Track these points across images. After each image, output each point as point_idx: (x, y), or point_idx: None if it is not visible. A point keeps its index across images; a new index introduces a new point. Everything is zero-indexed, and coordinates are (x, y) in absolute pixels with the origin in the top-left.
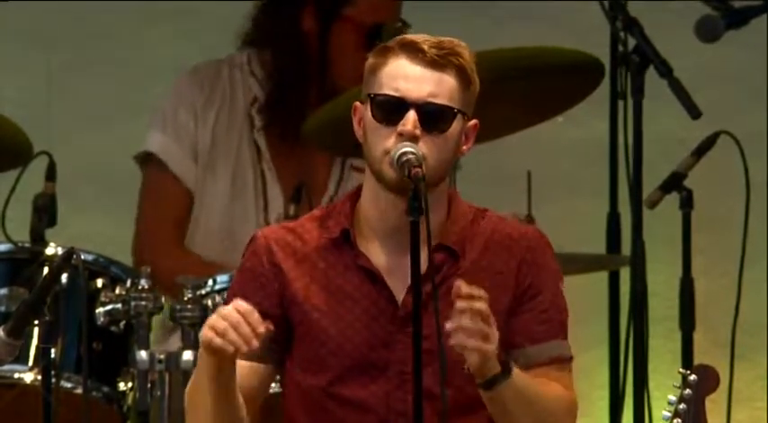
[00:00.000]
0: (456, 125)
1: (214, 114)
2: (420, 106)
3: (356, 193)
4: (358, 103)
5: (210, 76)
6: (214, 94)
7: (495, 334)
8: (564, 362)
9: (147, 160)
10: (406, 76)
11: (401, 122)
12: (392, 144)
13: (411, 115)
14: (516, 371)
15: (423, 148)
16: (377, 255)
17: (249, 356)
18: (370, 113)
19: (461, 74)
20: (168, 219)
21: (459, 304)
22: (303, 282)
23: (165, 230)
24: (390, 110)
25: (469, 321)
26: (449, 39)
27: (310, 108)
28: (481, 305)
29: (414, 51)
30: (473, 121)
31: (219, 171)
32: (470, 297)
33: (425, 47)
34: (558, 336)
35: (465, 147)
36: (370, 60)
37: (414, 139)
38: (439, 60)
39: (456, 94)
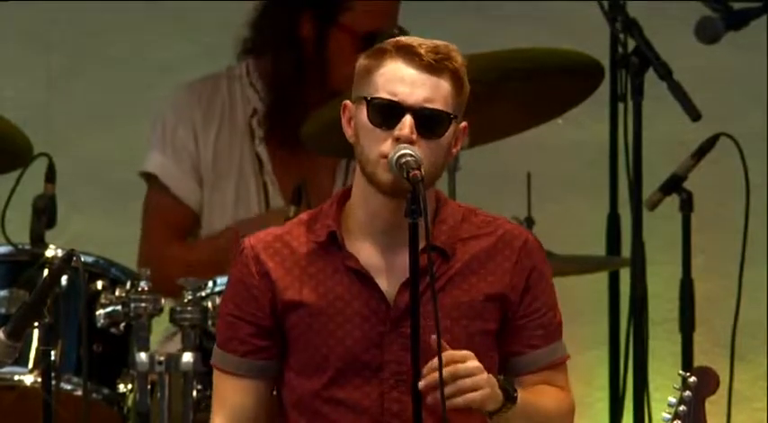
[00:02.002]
0: (450, 130)
1: (214, 130)
2: (416, 111)
3: (344, 194)
4: (348, 102)
5: (208, 91)
6: (213, 109)
7: (480, 378)
8: (561, 363)
9: (148, 179)
10: (402, 80)
11: (398, 127)
12: (388, 148)
13: (408, 120)
14: (519, 395)
15: (418, 152)
16: (367, 255)
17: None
18: (364, 116)
19: (456, 79)
20: (170, 235)
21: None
22: (295, 288)
23: (166, 239)
24: (387, 114)
25: (453, 387)
26: (443, 43)
27: (309, 114)
28: (458, 367)
29: (410, 55)
30: (463, 124)
31: (224, 186)
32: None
33: (422, 51)
34: (555, 339)
35: (454, 150)
36: (363, 61)
37: (410, 143)
38: (435, 65)
39: (451, 99)
